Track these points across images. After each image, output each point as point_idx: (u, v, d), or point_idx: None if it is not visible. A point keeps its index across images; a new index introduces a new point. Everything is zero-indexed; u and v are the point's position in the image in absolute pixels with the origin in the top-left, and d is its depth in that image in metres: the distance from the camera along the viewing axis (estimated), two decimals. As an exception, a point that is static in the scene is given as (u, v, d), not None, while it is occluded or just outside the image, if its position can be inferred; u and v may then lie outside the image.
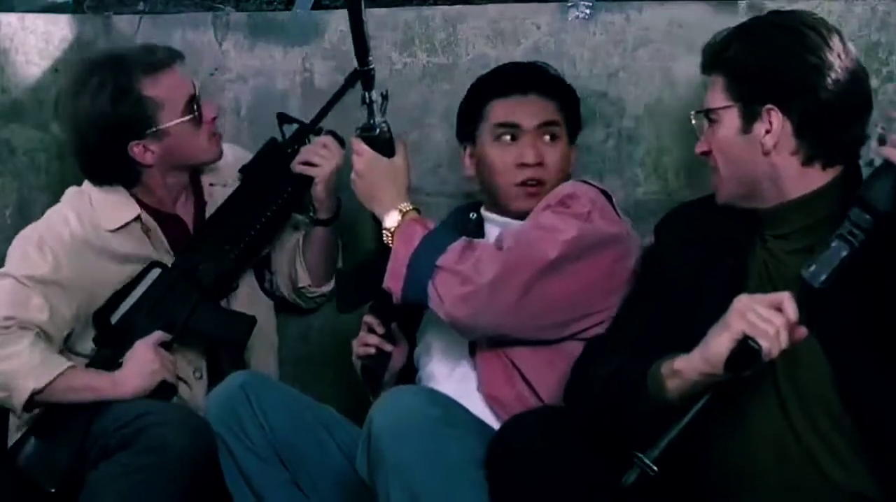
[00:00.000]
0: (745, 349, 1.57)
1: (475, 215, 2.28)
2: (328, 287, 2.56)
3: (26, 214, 2.47)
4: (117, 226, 2.35)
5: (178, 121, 2.31)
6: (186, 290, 2.35)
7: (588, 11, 2.37)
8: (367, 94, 2.11)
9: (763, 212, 1.79)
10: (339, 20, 2.71)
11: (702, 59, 1.86)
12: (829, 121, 1.73)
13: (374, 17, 1.99)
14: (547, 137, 2.18)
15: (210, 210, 2.45)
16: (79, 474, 2.18)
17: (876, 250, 1.63)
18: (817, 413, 1.70)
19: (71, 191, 2.43)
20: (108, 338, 2.31)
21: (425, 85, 2.59)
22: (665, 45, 2.28)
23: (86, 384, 2.23)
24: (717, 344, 1.59)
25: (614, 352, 1.83)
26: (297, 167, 2.40)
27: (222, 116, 2.89)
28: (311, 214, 2.49)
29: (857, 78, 1.76)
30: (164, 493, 2.10)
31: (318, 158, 2.39)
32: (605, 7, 2.36)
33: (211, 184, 2.47)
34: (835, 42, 1.74)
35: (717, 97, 1.80)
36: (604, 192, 2.14)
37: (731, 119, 1.78)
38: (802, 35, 1.74)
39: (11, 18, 2.99)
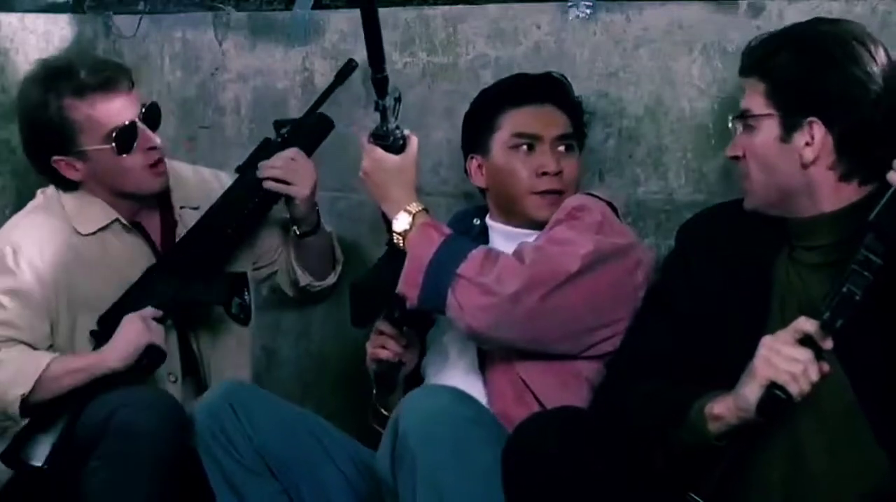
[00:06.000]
0: (773, 395, 1.58)
1: (479, 222, 2.26)
2: (333, 278, 2.53)
3: (26, 214, 2.48)
4: (93, 229, 2.32)
5: (98, 147, 2.26)
6: (173, 274, 2.32)
7: (588, 11, 2.37)
8: (379, 102, 2.05)
9: (794, 222, 1.76)
10: (339, 20, 2.71)
11: (742, 62, 1.81)
12: (872, 137, 1.69)
13: (374, 16, 1.99)
14: (562, 149, 2.16)
15: (181, 232, 2.39)
16: (69, 455, 2.17)
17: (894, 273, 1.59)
18: (835, 436, 1.69)
19: (39, 197, 2.40)
20: (105, 334, 2.27)
21: (425, 85, 2.59)
22: (665, 45, 2.28)
23: (73, 368, 2.21)
24: (748, 392, 1.60)
25: (645, 371, 1.82)
26: (270, 185, 2.32)
27: (222, 116, 2.92)
28: (294, 231, 2.44)
29: None
30: (142, 477, 2.09)
31: (293, 175, 2.32)
32: (605, 7, 2.36)
33: (181, 208, 2.42)
34: (881, 56, 1.71)
35: (758, 103, 1.75)
36: (609, 204, 2.12)
37: (770, 127, 1.74)
38: (851, 47, 1.70)
39: (11, 18, 3.00)
